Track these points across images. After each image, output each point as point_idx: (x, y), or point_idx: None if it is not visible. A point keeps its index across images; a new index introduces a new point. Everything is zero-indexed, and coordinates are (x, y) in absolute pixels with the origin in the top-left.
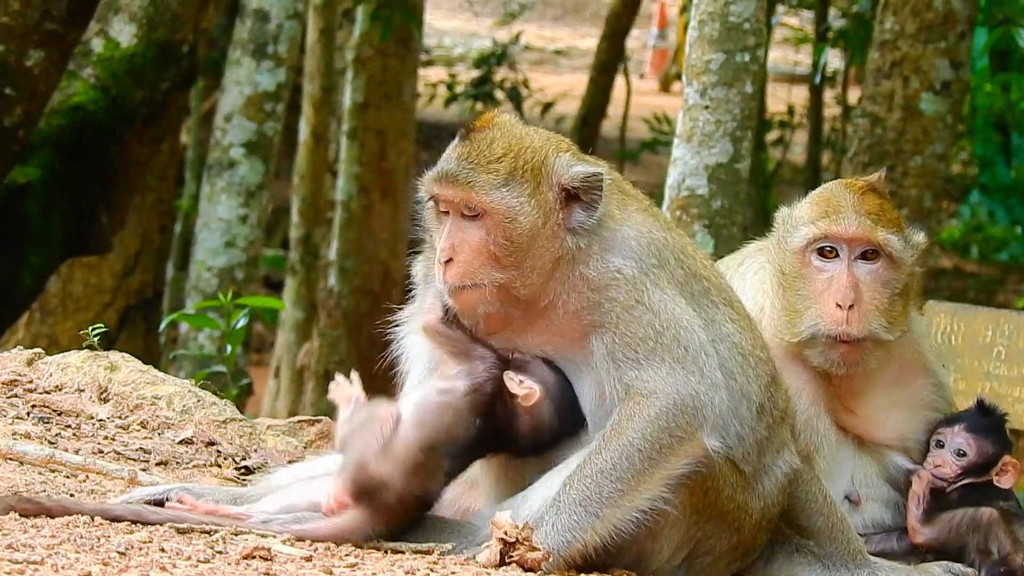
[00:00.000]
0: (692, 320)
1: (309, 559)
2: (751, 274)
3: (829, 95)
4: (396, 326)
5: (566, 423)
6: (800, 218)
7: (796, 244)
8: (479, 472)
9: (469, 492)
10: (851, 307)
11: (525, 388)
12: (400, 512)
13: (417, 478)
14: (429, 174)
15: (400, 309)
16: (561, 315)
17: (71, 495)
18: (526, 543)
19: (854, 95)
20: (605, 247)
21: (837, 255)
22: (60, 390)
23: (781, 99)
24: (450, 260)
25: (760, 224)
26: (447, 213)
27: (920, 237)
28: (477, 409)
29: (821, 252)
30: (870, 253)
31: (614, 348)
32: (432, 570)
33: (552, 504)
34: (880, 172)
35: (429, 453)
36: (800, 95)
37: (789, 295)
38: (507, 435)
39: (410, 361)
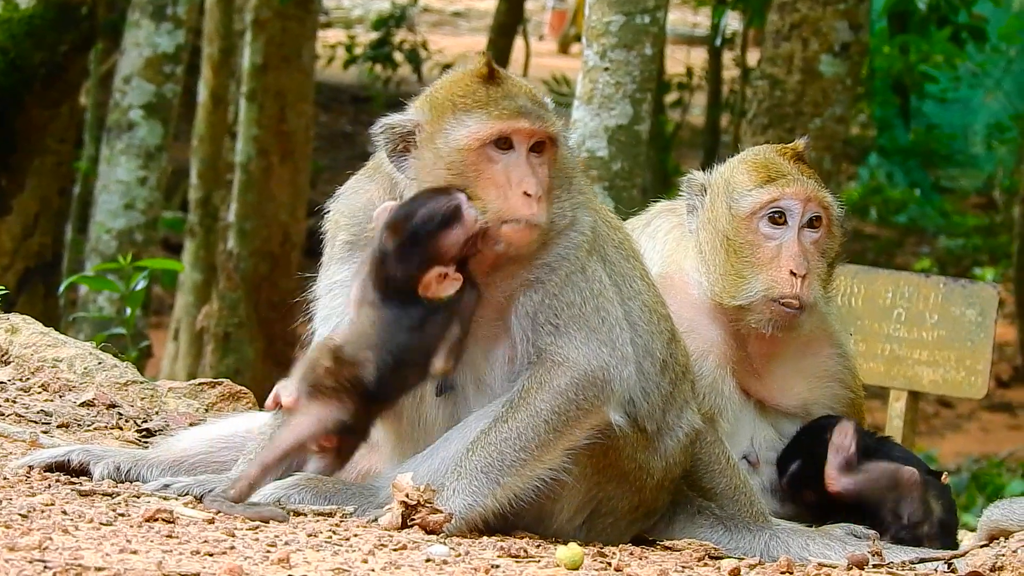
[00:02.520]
0: (613, 292)
1: (211, 521)
2: (662, 234)
3: (728, 57)
4: (310, 288)
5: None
6: (742, 183)
7: (743, 211)
8: (380, 434)
9: (370, 454)
10: (804, 275)
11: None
12: (344, 396)
13: (348, 367)
14: (491, 113)
15: (304, 272)
16: (516, 267)
17: None
18: (428, 505)
19: (753, 57)
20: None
21: (786, 222)
22: None
23: (680, 61)
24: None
25: (659, 186)
26: (505, 151)
27: None
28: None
29: (771, 218)
30: (815, 220)
31: (538, 309)
32: (334, 532)
33: (454, 469)
34: (804, 139)
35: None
36: (699, 57)
37: (733, 260)
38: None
39: (333, 319)
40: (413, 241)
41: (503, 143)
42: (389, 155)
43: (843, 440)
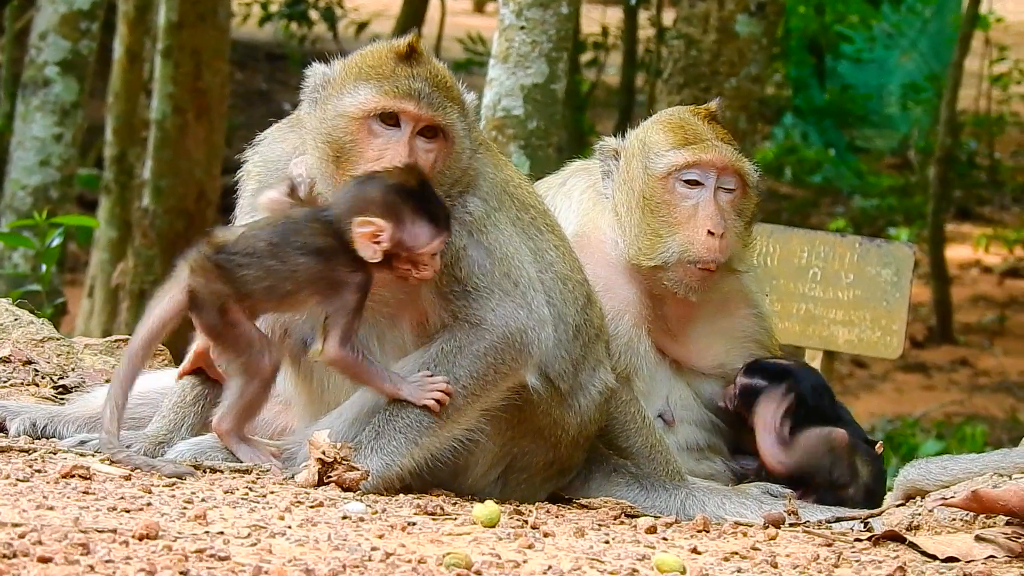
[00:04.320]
0: (523, 257)
1: (128, 478)
2: (577, 193)
3: (644, 16)
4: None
5: None
6: (659, 143)
7: (660, 170)
8: (292, 392)
9: (285, 412)
10: (721, 235)
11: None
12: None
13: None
14: (383, 87)
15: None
16: None
17: None
18: (345, 463)
19: (669, 16)
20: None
21: (701, 183)
22: None
23: (595, 20)
24: None
25: (574, 145)
26: (391, 127)
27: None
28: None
29: (686, 180)
30: (730, 181)
31: (441, 283)
32: (251, 489)
33: (372, 428)
34: (718, 100)
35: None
36: (614, 16)
37: (649, 219)
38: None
39: None
40: (422, 196)
41: (389, 119)
42: (305, 99)
43: (768, 418)
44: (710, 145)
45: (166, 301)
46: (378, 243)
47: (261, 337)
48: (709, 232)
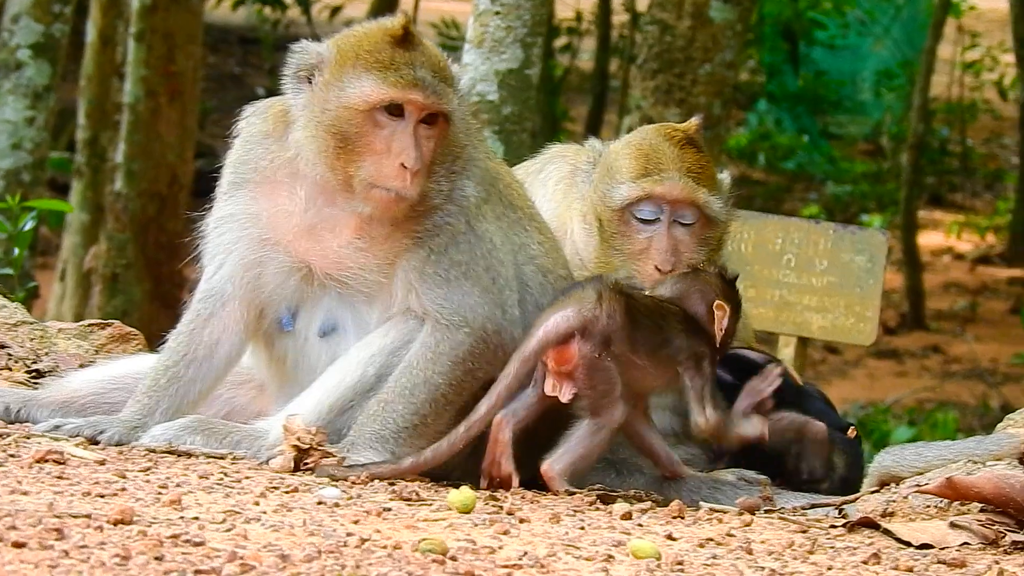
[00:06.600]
0: (505, 252)
1: (103, 463)
2: (552, 183)
3: (617, 2)
4: (199, 227)
5: None
6: (620, 171)
7: (616, 201)
8: (266, 374)
9: (260, 396)
10: (670, 271)
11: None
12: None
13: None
14: (387, 78)
15: (196, 210)
16: (397, 230)
17: None
18: (320, 448)
19: (643, 2)
20: (460, 167)
21: (656, 217)
22: None
23: (569, 5)
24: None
25: (548, 130)
26: (395, 118)
27: (726, 178)
28: None
29: (640, 214)
30: (688, 214)
31: (426, 263)
32: (226, 474)
33: (349, 438)
34: (697, 120)
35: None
36: (588, 2)
37: (604, 247)
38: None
39: (219, 256)
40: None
41: (394, 110)
42: (292, 78)
43: (761, 386)
44: (666, 177)
45: (559, 319)
46: (720, 326)
47: (620, 388)
48: (656, 268)
